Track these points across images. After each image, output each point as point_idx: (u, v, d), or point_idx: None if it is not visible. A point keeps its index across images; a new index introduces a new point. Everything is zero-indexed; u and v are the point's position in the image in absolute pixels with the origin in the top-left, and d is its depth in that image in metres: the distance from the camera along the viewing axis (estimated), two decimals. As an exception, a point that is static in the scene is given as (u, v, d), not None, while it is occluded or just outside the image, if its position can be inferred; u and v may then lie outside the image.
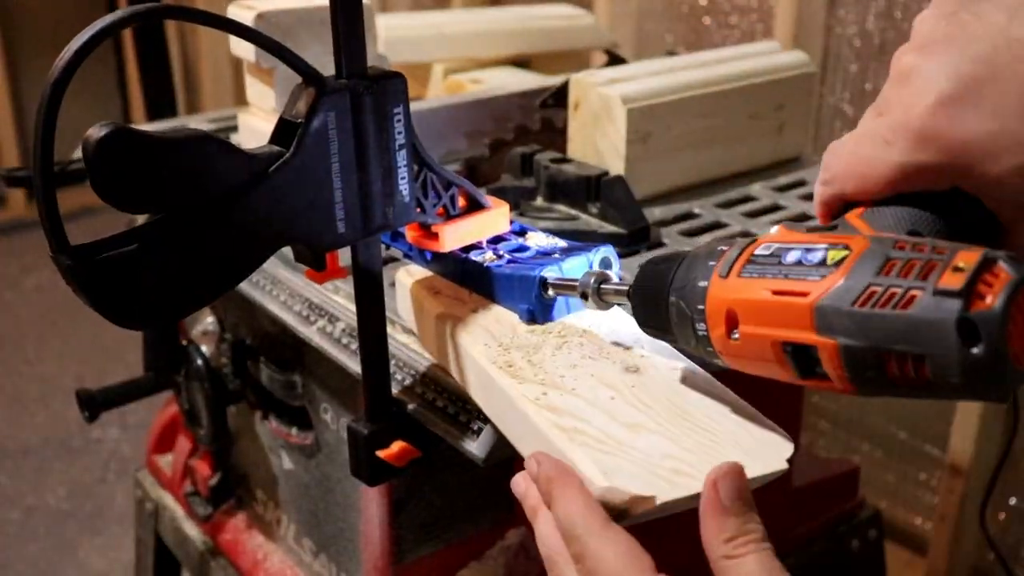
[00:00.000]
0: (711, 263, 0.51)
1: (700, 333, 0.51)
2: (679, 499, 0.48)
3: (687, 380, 0.58)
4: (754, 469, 0.49)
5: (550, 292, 0.64)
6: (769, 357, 0.48)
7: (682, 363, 0.60)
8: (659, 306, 0.54)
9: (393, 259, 0.80)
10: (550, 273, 0.63)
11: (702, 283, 0.51)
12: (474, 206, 0.67)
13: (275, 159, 0.54)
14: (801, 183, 1.02)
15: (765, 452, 0.52)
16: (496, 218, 0.68)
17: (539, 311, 0.64)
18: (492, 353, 0.61)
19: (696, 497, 0.47)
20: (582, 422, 0.53)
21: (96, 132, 0.47)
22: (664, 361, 0.60)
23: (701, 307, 0.51)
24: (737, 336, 0.49)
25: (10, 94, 3.27)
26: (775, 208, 0.96)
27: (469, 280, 0.68)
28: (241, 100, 0.97)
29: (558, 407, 0.55)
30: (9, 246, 3.17)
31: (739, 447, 0.52)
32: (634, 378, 0.58)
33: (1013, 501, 1.53)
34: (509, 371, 0.59)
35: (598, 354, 0.60)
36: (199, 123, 1.17)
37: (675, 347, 0.57)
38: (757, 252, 0.50)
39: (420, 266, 0.72)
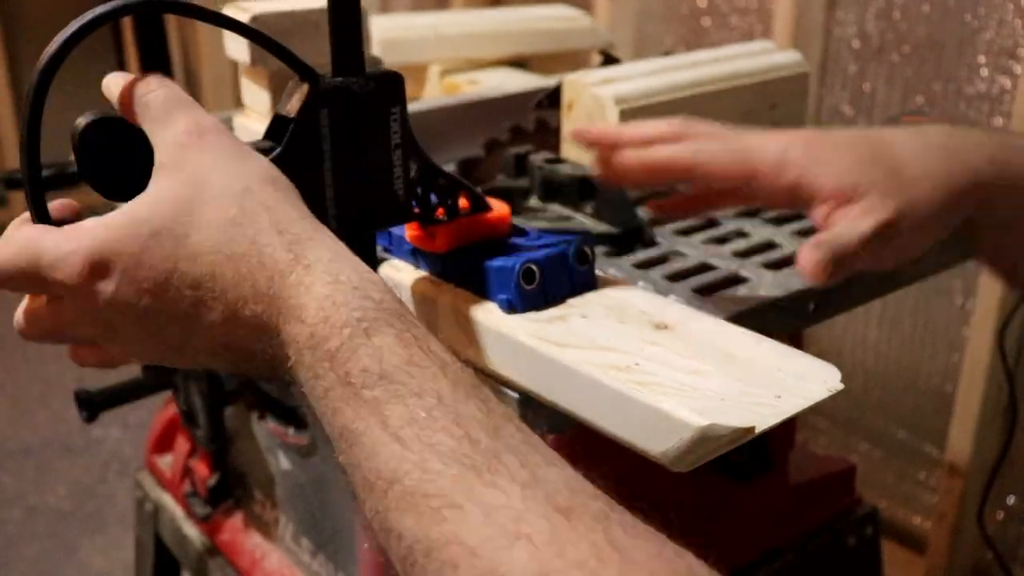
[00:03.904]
0: None
1: None
2: (771, 426, 0.51)
3: (716, 329, 0.60)
4: (817, 391, 0.53)
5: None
6: None
7: (703, 317, 0.61)
8: None
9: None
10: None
11: None
12: (476, 207, 0.67)
13: (264, 153, 0.54)
14: (796, 183, 1.01)
15: (819, 376, 0.55)
16: (497, 220, 0.68)
17: (518, 301, 0.62)
18: (527, 328, 0.60)
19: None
20: (650, 375, 0.54)
21: (83, 120, 0.52)
22: (686, 315, 0.61)
23: None
24: None
25: (12, 94, 3.27)
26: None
27: (453, 276, 0.67)
28: (241, 102, 0.98)
29: (620, 366, 0.55)
30: (11, 247, 3.17)
31: (795, 376, 0.54)
32: (668, 334, 0.59)
33: (1011, 500, 1.53)
34: (550, 342, 0.58)
35: (625, 318, 0.61)
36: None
37: None
38: None
39: (403, 261, 0.70)
